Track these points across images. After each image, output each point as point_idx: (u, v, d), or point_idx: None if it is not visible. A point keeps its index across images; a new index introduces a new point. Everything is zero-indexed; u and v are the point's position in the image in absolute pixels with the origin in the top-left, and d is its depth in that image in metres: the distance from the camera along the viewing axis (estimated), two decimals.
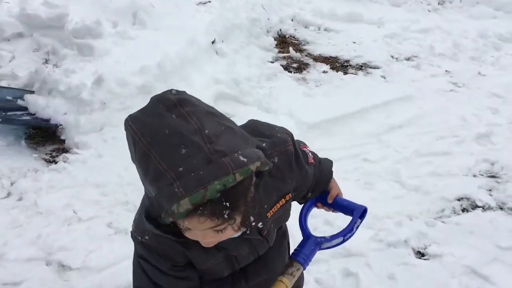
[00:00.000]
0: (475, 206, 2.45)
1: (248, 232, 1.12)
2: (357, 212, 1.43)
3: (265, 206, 1.15)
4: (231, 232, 0.96)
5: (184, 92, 0.95)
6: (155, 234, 1.04)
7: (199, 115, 0.90)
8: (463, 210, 2.43)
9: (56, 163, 2.59)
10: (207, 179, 0.85)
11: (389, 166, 2.77)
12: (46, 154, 2.68)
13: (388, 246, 2.15)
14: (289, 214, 1.28)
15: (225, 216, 0.88)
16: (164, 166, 0.86)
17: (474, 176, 2.72)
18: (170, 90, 0.93)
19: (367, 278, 1.95)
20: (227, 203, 0.86)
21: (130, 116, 0.93)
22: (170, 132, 0.87)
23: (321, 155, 1.50)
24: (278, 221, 1.24)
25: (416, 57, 4.34)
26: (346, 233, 1.36)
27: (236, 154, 0.88)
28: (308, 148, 1.32)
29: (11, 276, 1.88)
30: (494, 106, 3.54)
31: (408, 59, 4.29)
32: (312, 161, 1.30)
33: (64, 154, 2.66)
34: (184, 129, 0.87)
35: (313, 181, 1.32)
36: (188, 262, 1.16)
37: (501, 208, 2.44)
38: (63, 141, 2.76)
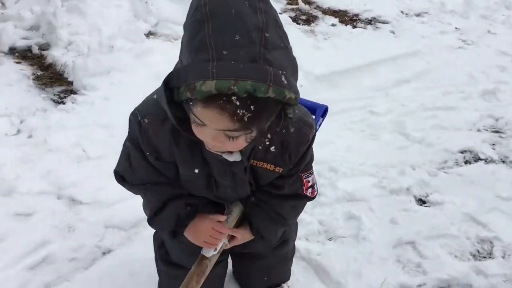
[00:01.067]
0: (477, 159, 2.48)
1: (240, 160, 1.13)
2: (320, 111, 1.53)
3: (266, 155, 1.17)
4: (240, 144, 0.97)
5: None
6: (154, 121, 1.08)
7: (268, 17, 0.87)
8: (466, 162, 2.46)
9: (64, 103, 2.60)
10: (242, 74, 0.82)
11: (394, 118, 2.78)
12: (54, 95, 2.69)
13: (391, 193, 2.19)
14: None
15: (245, 119, 0.86)
16: (212, 41, 0.84)
17: (478, 130, 2.74)
18: None
19: (369, 221, 2.00)
20: (253, 107, 0.85)
21: None
22: (235, 14, 0.85)
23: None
24: (256, 177, 1.25)
25: (426, 13, 4.28)
26: None
27: (280, 72, 0.86)
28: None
29: (23, 207, 1.93)
30: (502, 64, 3.52)
31: (418, 15, 4.24)
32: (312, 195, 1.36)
33: (72, 95, 2.67)
34: (249, 19, 0.85)
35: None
36: (172, 161, 1.18)
37: (503, 162, 2.47)
38: (71, 83, 2.77)
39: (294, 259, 1.72)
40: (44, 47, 3.04)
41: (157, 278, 1.65)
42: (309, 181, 1.34)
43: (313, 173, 1.36)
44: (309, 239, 1.93)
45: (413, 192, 2.20)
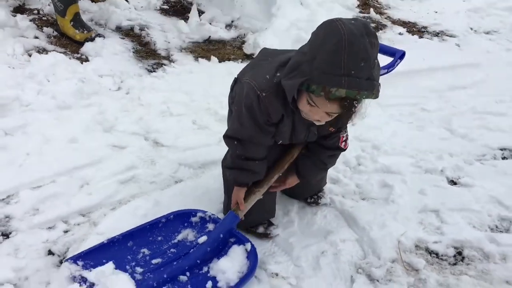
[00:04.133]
0: None
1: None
2: (398, 55, 2.03)
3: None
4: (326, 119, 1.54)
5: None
6: (271, 95, 1.58)
7: (375, 49, 1.40)
8: (503, 158, 2.65)
9: (156, 72, 3.12)
10: (363, 88, 1.36)
11: (443, 116, 3.01)
12: (148, 65, 3.22)
13: (425, 171, 2.45)
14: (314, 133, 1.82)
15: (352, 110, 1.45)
16: (346, 63, 1.34)
17: None
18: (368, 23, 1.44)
19: (401, 190, 2.28)
20: (356, 103, 1.43)
21: (341, 20, 1.39)
22: (362, 48, 1.34)
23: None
24: (318, 131, 1.79)
25: (496, 32, 4.41)
26: (389, 67, 1.97)
27: (377, 83, 1.41)
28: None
29: (119, 141, 2.43)
30: None
31: (487, 32, 4.38)
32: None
33: (163, 66, 3.19)
34: (370, 52, 1.35)
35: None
36: (277, 122, 1.67)
37: None
38: (163, 57, 3.30)
39: (327, 208, 2.09)
40: (143, 27, 3.61)
41: (215, 205, 2.07)
42: (344, 137, 1.85)
43: (347, 131, 1.85)
44: (345, 197, 2.25)
45: (446, 174, 2.45)
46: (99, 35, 3.32)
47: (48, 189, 2.08)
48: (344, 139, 1.87)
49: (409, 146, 2.65)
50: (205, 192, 2.16)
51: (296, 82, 1.45)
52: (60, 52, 3.05)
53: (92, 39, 3.24)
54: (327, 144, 1.85)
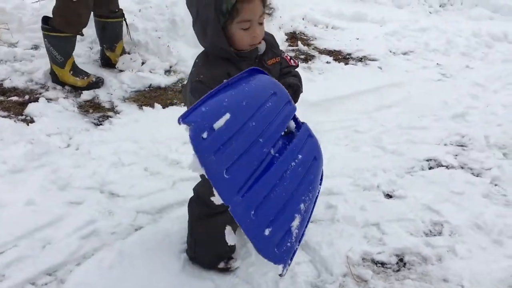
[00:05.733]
0: (440, 165, 2.99)
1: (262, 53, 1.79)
2: None
3: (268, 54, 1.82)
4: (262, 29, 1.71)
5: None
6: (206, 70, 1.70)
7: None
8: (430, 167, 2.97)
9: (103, 125, 3.23)
10: None
11: (374, 135, 3.32)
12: (94, 119, 3.32)
13: (364, 189, 2.71)
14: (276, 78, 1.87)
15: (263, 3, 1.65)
16: None
17: (445, 145, 3.25)
18: None
19: (344, 209, 2.51)
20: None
21: None
22: None
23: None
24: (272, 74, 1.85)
25: (412, 52, 4.88)
26: None
27: None
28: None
29: (76, 197, 2.51)
30: (475, 93, 4.05)
31: (404, 53, 4.84)
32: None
33: (109, 118, 3.30)
34: None
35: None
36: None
37: (462, 167, 2.98)
38: (108, 109, 3.41)
39: None
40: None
41: (177, 245, 2.20)
42: (288, 56, 1.98)
43: (283, 51, 2.02)
44: None
45: (382, 189, 2.72)
46: (99, 78, 3.63)
47: (11, 254, 2.13)
48: (289, 57, 1.96)
49: (347, 167, 2.91)
50: (166, 236, 2.29)
51: (212, 28, 1.63)
52: (4, 117, 3.10)
53: (96, 84, 3.58)
54: (284, 72, 1.92)
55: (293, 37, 4.98)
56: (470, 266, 2.17)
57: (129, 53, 3.97)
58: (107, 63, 3.92)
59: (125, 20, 3.88)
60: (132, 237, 2.31)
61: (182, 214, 2.43)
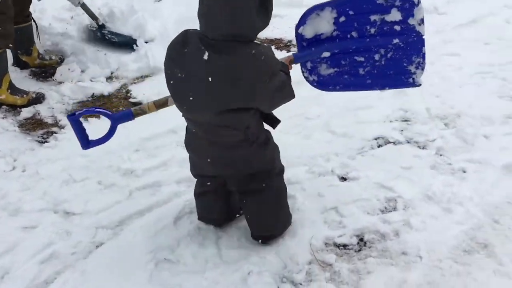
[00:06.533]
0: (388, 142, 3.10)
1: None
2: None
3: None
4: None
5: None
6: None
7: None
8: (379, 146, 3.08)
9: (48, 142, 3.12)
10: None
11: (324, 120, 3.38)
12: (38, 137, 3.20)
13: (319, 175, 2.77)
14: None
15: None
16: None
17: (391, 121, 3.37)
18: None
19: (302, 197, 2.56)
20: None
21: None
22: None
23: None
24: None
25: None
26: None
27: None
28: None
29: (29, 221, 2.43)
30: None
31: None
32: None
33: (54, 134, 3.20)
34: None
35: None
36: None
37: (408, 142, 3.10)
38: (51, 125, 3.30)
39: (239, 231, 2.31)
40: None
41: (142, 255, 2.19)
42: None
43: None
44: None
45: (337, 173, 2.79)
46: (39, 94, 3.54)
47: None
48: None
49: (302, 156, 2.96)
50: (128, 248, 2.26)
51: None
52: None
53: (37, 99, 3.49)
54: None
55: None
56: (426, 237, 2.29)
57: (41, 57, 3.92)
58: (24, 67, 3.95)
59: (34, 22, 3.86)
60: (93, 255, 2.26)
61: (143, 223, 2.43)
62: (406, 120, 3.38)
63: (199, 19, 1.82)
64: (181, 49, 1.84)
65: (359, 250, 2.26)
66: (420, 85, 2.34)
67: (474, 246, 2.23)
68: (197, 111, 1.91)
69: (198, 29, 1.84)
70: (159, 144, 3.06)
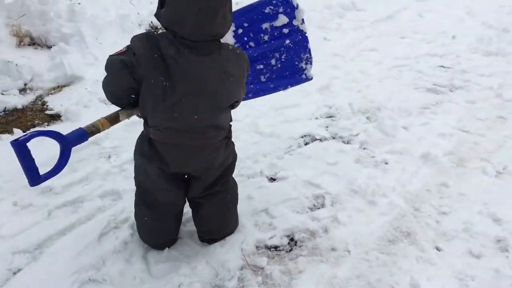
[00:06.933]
0: (314, 139, 3.16)
1: None
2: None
3: None
4: None
5: None
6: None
7: None
8: (305, 143, 3.12)
9: None
10: None
11: (251, 121, 3.38)
12: None
13: (248, 178, 2.76)
14: None
15: None
16: None
17: (316, 118, 3.44)
18: None
19: None
20: None
21: None
22: None
23: None
24: None
25: None
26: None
27: None
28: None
29: None
30: (335, 64, 4.33)
31: None
32: None
33: None
34: None
35: None
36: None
37: (333, 138, 3.17)
38: None
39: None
40: None
41: (65, 278, 2.06)
42: None
43: None
44: (187, 223, 2.42)
45: (265, 174, 2.80)
46: None
47: None
48: None
49: None
50: (49, 272, 2.12)
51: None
52: None
53: None
54: None
55: (156, 32, 4.84)
56: (353, 231, 2.34)
57: None
58: None
59: None
60: (11, 282, 2.10)
61: (64, 244, 2.29)
62: (330, 116, 3.46)
63: (174, 22, 1.68)
64: (154, 54, 1.69)
65: (290, 250, 2.27)
66: (312, 78, 2.64)
67: (398, 236, 2.31)
68: (190, 115, 1.81)
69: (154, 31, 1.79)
70: (80, 157, 2.91)
